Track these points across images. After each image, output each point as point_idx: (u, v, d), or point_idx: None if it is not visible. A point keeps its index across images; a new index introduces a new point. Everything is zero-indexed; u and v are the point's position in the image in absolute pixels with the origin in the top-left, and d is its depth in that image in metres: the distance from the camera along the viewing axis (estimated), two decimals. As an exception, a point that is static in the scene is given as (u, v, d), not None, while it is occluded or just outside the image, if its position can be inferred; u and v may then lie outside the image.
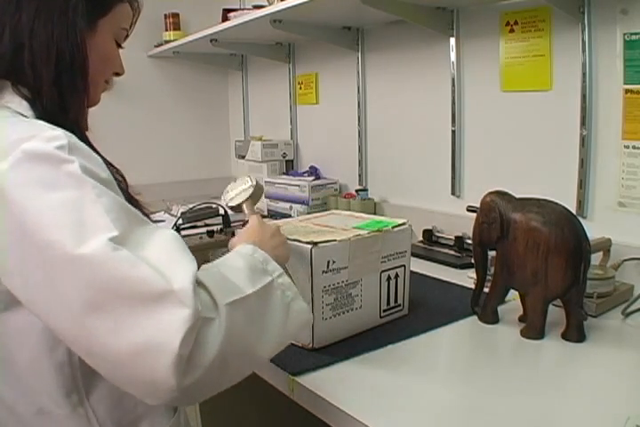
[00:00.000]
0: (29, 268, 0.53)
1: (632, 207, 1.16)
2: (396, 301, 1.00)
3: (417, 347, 0.89)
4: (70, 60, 0.65)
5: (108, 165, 0.68)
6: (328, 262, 0.87)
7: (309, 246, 0.85)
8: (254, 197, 0.94)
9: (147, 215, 0.71)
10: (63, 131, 0.58)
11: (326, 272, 0.87)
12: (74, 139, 0.57)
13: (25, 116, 0.63)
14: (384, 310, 0.98)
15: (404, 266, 1.00)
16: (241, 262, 0.65)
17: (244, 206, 0.92)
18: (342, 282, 0.90)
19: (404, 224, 0.99)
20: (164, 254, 0.55)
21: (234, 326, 0.55)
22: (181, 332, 0.49)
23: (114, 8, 0.70)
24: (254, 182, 0.94)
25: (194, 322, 0.50)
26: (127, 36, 0.77)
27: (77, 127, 0.65)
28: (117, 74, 0.77)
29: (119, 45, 0.75)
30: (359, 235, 0.91)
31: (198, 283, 0.56)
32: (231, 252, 0.70)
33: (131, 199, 0.69)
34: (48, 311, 0.53)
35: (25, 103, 0.64)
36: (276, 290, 0.65)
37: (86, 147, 0.59)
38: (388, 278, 0.97)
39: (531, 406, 0.70)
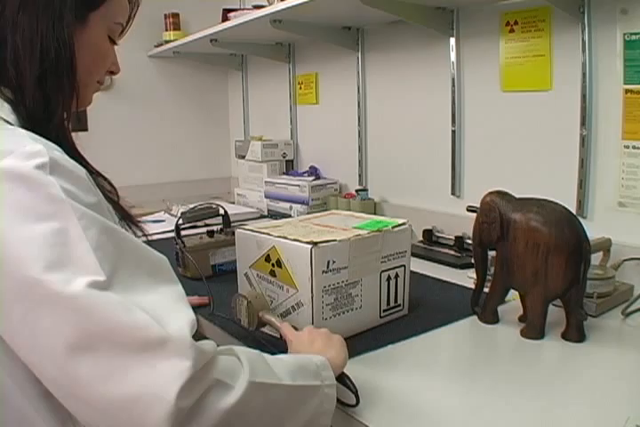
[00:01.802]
0: (8, 302, 0.48)
1: (632, 207, 1.16)
2: (396, 301, 1.00)
3: (417, 347, 0.89)
4: (56, 58, 0.60)
5: (96, 175, 0.65)
6: (328, 262, 0.87)
7: (309, 246, 0.85)
8: (259, 307, 0.89)
9: (139, 226, 0.69)
10: (45, 143, 0.54)
11: (326, 272, 0.87)
12: (56, 154, 0.53)
13: (7, 122, 0.58)
14: (384, 310, 0.98)
15: (404, 266, 1.00)
16: (292, 359, 0.62)
17: (266, 320, 0.87)
18: (342, 282, 0.90)
19: (403, 224, 0.99)
20: (158, 301, 0.51)
21: (248, 405, 0.51)
22: (178, 383, 0.46)
23: (107, 0, 0.64)
24: (248, 298, 0.89)
25: (193, 375, 0.47)
26: (123, 31, 0.71)
27: (63, 133, 0.62)
28: (112, 73, 0.72)
29: (114, 42, 0.69)
30: (359, 235, 0.91)
31: (230, 352, 0.55)
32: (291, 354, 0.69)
33: (122, 211, 0.66)
34: (27, 349, 0.49)
35: (7, 106, 0.60)
36: (316, 397, 0.61)
37: (70, 162, 0.54)
38: (388, 278, 0.97)
39: (531, 406, 0.70)
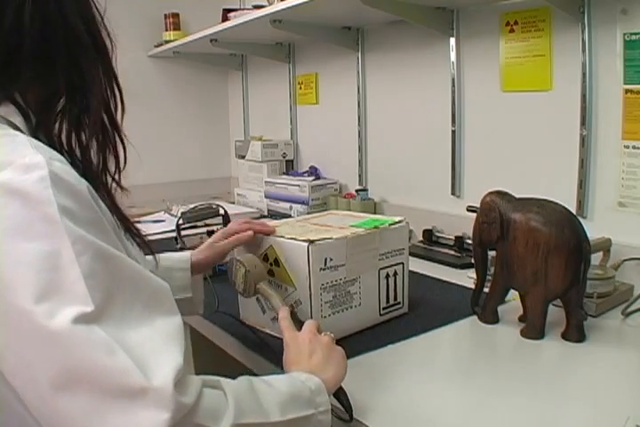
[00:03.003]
0: None
1: (632, 207, 1.16)
2: (395, 298, 1.00)
3: (417, 347, 0.89)
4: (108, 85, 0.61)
5: (102, 173, 0.63)
6: (325, 260, 0.87)
7: (306, 244, 0.85)
8: (258, 278, 0.86)
9: (139, 235, 0.66)
10: (47, 152, 0.51)
11: (324, 269, 0.87)
12: (57, 166, 0.49)
13: (17, 128, 0.55)
14: (384, 308, 0.98)
15: (403, 264, 1.00)
16: (285, 386, 0.59)
17: (265, 294, 0.85)
18: (340, 280, 0.90)
19: (400, 222, 0.99)
20: (148, 337, 0.48)
21: None
22: None
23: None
24: (246, 267, 0.86)
25: (173, 424, 0.45)
26: None
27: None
28: None
29: None
30: (356, 232, 0.92)
31: (216, 386, 0.53)
32: (285, 375, 0.65)
33: (125, 221, 0.63)
34: (12, 374, 0.48)
35: (12, 108, 0.56)
36: (309, 425, 0.59)
37: (71, 175, 0.51)
38: (387, 276, 0.97)
39: (531, 406, 0.70)
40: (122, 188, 0.65)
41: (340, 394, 0.69)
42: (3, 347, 0.47)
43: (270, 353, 0.85)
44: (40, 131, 0.57)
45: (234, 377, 0.58)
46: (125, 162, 0.65)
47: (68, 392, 0.45)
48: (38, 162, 0.48)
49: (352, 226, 0.96)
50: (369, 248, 0.94)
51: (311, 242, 0.85)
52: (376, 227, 0.95)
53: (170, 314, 0.52)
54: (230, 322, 0.99)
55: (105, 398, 0.45)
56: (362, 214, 1.09)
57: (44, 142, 0.54)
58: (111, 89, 0.63)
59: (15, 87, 0.56)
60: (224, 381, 0.55)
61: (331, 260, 0.88)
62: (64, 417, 0.45)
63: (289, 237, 0.89)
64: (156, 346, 0.48)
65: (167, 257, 0.91)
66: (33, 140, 0.53)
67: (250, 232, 0.93)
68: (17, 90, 0.57)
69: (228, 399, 0.52)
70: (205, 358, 1.01)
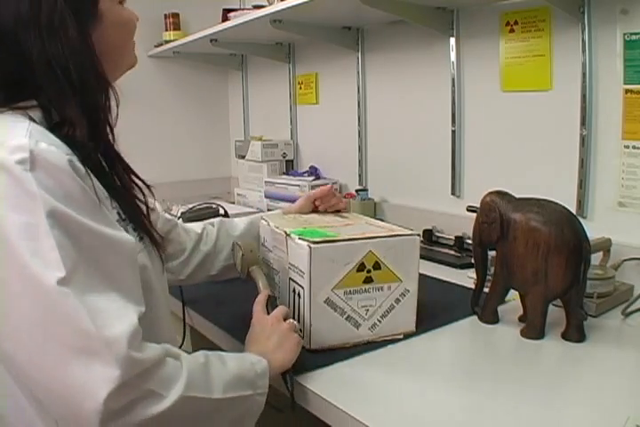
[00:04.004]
0: None
1: (632, 207, 1.16)
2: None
3: (417, 347, 0.89)
4: (76, 69, 0.63)
5: (113, 158, 0.71)
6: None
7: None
8: (251, 262, 0.93)
9: (148, 230, 0.73)
10: (39, 136, 0.58)
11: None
12: (40, 147, 0.56)
13: (32, 119, 0.62)
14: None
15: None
16: (234, 368, 0.67)
17: (252, 276, 0.92)
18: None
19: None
20: (106, 305, 0.56)
21: (174, 415, 0.57)
22: (107, 388, 0.52)
23: None
24: (242, 251, 0.93)
25: (121, 383, 0.53)
26: None
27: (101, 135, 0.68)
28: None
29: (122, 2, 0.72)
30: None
31: (177, 358, 0.61)
32: (238, 354, 0.73)
33: (144, 224, 0.71)
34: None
35: (39, 110, 0.63)
36: (244, 404, 0.67)
37: (54, 155, 0.57)
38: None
39: (531, 406, 0.70)
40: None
41: (286, 377, 0.76)
42: None
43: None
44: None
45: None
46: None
47: (41, 339, 0.53)
48: (22, 144, 0.56)
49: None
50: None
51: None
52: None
53: (124, 288, 0.59)
54: (230, 322, 0.99)
55: (68, 352, 0.53)
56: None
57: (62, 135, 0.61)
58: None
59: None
60: (184, 355, 0.63)
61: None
62: (36, 361, 0.54)
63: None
64: (114, 312, 0.56)
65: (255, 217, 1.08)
66: (35, 126, 0.60)
67: (329, 185, 1.12)
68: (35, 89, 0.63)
69: (183, 372, 0.59)
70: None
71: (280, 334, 0.78)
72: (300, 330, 0.87)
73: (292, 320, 0.81)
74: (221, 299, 1.10)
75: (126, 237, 0.63)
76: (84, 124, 0.65)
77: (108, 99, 0.69)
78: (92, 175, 0.61)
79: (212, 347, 1.00)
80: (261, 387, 0.69)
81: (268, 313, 0.82)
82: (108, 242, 0.59)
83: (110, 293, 0.57)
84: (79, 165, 0.60)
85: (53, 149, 0.58)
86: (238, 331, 0.95)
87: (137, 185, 0.75)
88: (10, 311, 0.54)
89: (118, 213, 0.68)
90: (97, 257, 0.58)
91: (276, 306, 0.84)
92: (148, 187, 0.76)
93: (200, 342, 1.06)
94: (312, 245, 0.82)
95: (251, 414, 0.69)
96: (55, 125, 0.62)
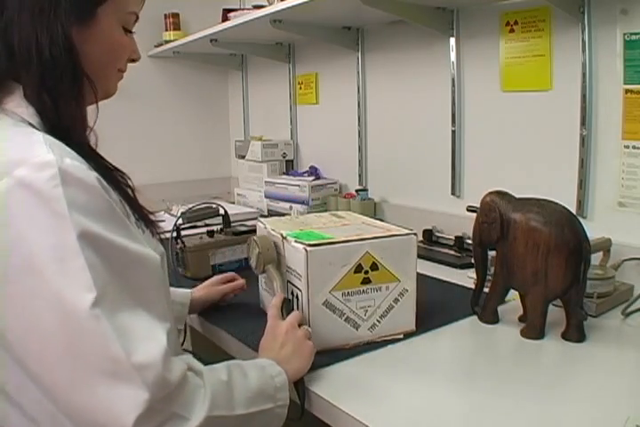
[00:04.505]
0: (12, 293, 0.53)
1: (632, 207, 1.16)
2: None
3: (417, 347, 0.89)
4: (52, 60, 0.60)
5: (112, 170, 0.67)
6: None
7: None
8: (267, 260, 0.91)
9: (154, 226, 0.71)
10: (59, 148, 0.56)
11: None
12: (67, 162, 0.55)
13: (30, 124, 0.60)
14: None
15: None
16: (255, 381, 0.66)
17: (269, 275, 0.91)
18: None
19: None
20: (136, 325, 0.55)
21: None
22: (136, 412, 0.51)
23: None
24: (259, 248, 0.91)
25: (150, 406, 0.52)
26: (137, 19, 0.71)
27: (75, 132, 0.62)
28: (133, 60, 0.72)
29: (129, 31, 0.70)
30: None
31: (199, 376, 0.60)
32: (258, 363, 0.71)
33: (139, 210, 0.68)
34: (24, 337, 0.54)
35: (31, 109, 0.61)
36: (266, 417, 0.67)
37: (81, 170, 0.56)
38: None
39: (531, 406, 0.70)
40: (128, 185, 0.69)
41: (299, 386, 0.75)
42: (17, 314, 0.53)
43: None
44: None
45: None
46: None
47: (71, 365, 0.52)
48: (49, 161, 0.54)
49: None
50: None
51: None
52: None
53: (154, 305, 0.59)
54: (230, 322, 0.99)
55: (97, 377, 0.52)
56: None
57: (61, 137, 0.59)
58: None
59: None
60: (206, 371, 0.62)
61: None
62: (62, 383, 0.53)
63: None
64: (143, 332, 0.55)
65: (172, 291, 0.98)
66: (47, 136, 0.58)
67: (242, 281, 1.08)
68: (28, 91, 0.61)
69: (206, 393, 0.59)
70: (205, 358, 1.01)
71: (295, 342, 0.77)
72: None
73: (306, 327, 0.81)
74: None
75: (151, 252, 0.62)
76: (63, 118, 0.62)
77: (81, 94, 0.64)
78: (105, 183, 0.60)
79: (212, 346, 1.01)
80: (282, 399, 0.69)
81: (283, 318, 0.81)
82: (136, 258, 0.58)
83: (138, 310, 0.56)
84: (102, 179, 0.58)
85: (78, 164, 0.56)
86: (236, 329, 0.95)
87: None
88: (40, 334, 0.53)
89: (132, 214, 0.66)
90: (125, 274, 0.57)
91: (292, 310, 0.84)
92: (123, 173, 0.71)
93: (200, 343, 1.06)
94: (308, 248, 0.83)
95: (272, 426, 0.69)
96: (54, 129, 0.60)
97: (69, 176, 0.54)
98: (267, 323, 0.81)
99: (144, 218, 0.69)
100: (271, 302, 0.84)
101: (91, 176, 0.56)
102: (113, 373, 0.52)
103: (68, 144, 0.59)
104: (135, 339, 0.53)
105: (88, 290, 0.52)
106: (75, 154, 0.58)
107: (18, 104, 0.61)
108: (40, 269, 0.52)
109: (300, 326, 0.80)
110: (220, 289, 1.06)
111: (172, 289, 0.98)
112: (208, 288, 1.06)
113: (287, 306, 0.84)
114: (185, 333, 1.03)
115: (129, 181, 0.69)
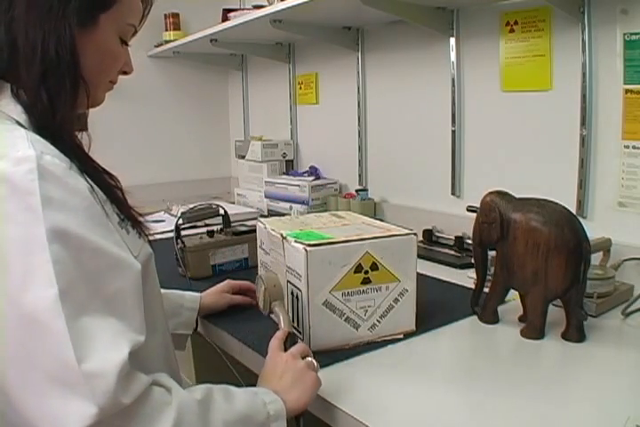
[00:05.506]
0: None
1: (632, 207, 1.16)
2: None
3: (417, 347, 0.89)
4: (57, 59, 0.60)
5: (101, 172, 0.65)
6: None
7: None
8: (274, 296, 0.88)
9: (141, 227, 0.69)
10: (42, 145, 0.55)
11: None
12: (47, 159, 0.54)
13: (18, 122, 0.59)
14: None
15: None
16: (241, 406, 0.61)
17: (274, 312, 0.87)
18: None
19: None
20: (99, 332, 0.52)
21: None
22: (80, 425, 0.48)
23: (117, 1, 0.64)
24: (265, 285, 0.89)
25: (97, 421, 0.48)
26: (136, 32, 0.71)
27: (65, 132, 0.62)
28: (125, 73, 0.72)
29: (125, 43, 0.70)
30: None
31: (166, 392, 0.56)
32: (251, 389, 0.67)
33: (126, 211, 0.66)
34: None
35: (19, 107, 0.60)
36: None
37: (59, 168, 0.55)
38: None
39: (531, 406, 0.70)
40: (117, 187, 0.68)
41: (300, 419, 0.70)
42: None
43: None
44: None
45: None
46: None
47: (19, 364, 0.50)
48: (29, 155, 0.53)
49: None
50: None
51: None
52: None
53: (125, 317, 0.55)
54: (230, 322, 0.99)
55: (48, 382, 0.50)
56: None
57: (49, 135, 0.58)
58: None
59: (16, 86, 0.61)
60: (177, 389, 0.57)
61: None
62: (12, 384, 0.51)
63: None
64: (106, 341, 0.52)
65: (180, 295, 0.98)
66: (31, 134, 0.57)
67: (249, 299, 1.04)
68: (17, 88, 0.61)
69: (171, 411, 0.54)
70: (205, 359, 1.01)
71: (295, 372, 0.70)
72: (300, 332, 0.87)
73: (310, 358, 0.75)
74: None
75: (132, 259, 0.60)
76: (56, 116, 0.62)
77: (77, 97, 0.64)
78: (92, 183, 0.59)
79: (212, 346, 1.01)
80: None
81: (285, 350, 0.75)
82: (113, 262, 0.56)
83: (109, 317, 0.53)
84: (82, 177, 0.58)
85: (58, 162, 0.55)
86: (236, 329, 0.95)
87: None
88: (0, 331, 0.51)
89: (117, 214, 0.65)
90: (99, 277, 0.54)
91: (295, 342, 0.78)
92: (111, 174, 0.69)
93: (200, 342, 1.06)
94: (308, 248, 0.82)
95: None
96: (43, 128, 0.60)
97: (47, 172, 0.54)
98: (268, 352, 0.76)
99: (131, 218, 0.67)
100: (274, 335, 0.79)
101: (71, 174, 0.56)
102: (62, 379, 0.49)
103: (55, 143, 0.58)
104: (93, 346, 0.50)
105: (49, 284, 0.50)
106: (57, 152, 0.57)
107: (6, 102, 0.61)
108: (7, 262, 0.51)
109: (304, 358, 0.75)
110: (230, 299, 1.03)
111: (180, 293, 0.98)
112: (219, 295, 1.03)
113: (291, 340, 0.79)
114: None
115: (118, 183, 0.68)
